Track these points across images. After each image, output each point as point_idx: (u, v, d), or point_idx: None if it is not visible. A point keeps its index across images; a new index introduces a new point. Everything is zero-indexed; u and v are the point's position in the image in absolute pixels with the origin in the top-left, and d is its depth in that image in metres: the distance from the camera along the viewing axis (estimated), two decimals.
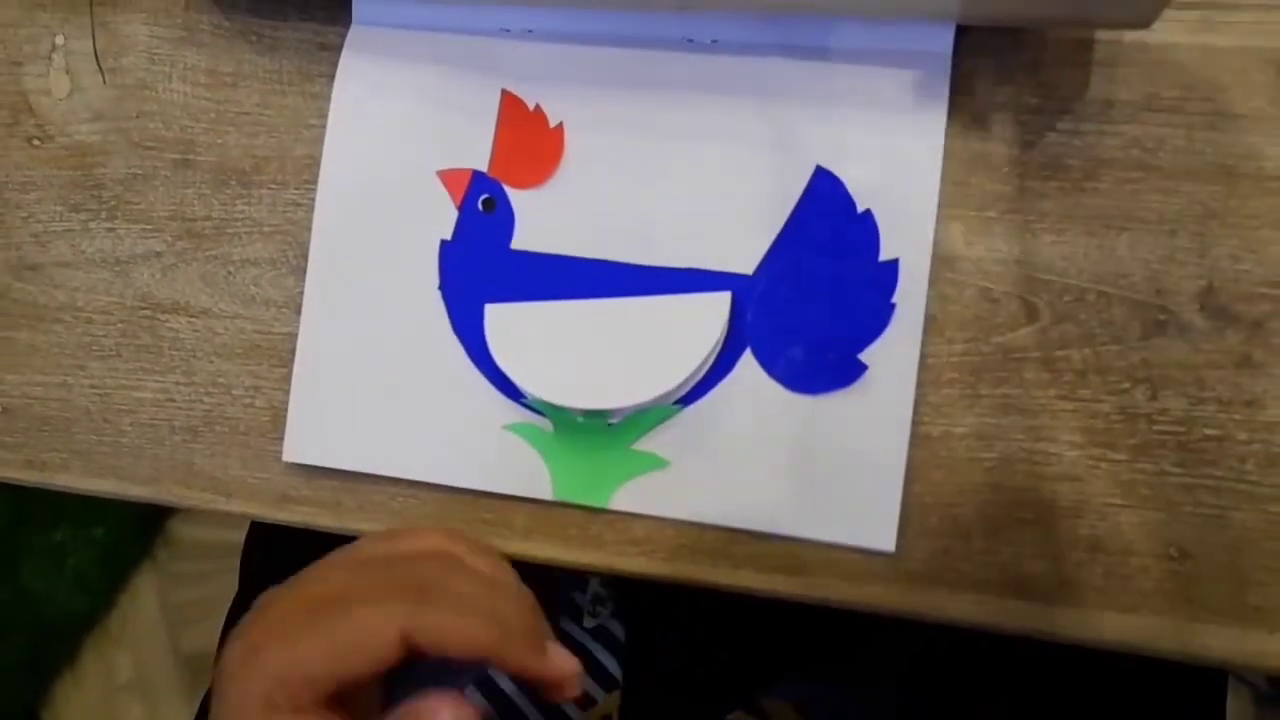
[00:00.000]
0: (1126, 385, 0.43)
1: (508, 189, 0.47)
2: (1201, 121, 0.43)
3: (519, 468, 0.46)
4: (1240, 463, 0.42)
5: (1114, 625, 0.43)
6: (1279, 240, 0.42)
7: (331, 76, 0.49)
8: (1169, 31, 0.43)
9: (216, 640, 0.67)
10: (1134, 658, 0.43)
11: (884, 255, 0.44)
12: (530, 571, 0.44)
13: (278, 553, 0.65)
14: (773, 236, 0.45)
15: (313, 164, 0.49)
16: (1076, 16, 0.41)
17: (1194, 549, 0.42)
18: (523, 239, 0.47)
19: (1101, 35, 0.43)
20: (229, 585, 0.70)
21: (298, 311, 0.48)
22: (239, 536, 0.71)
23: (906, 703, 0.54)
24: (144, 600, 1.42)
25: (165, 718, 1.38)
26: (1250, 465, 0.42)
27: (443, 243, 0.47)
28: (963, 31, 0.44)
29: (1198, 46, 0.43)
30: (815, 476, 0.44)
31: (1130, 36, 0.43)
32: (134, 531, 1.41)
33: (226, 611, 0.68)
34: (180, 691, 1.38)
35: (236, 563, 0.73)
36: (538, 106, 0.47)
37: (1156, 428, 0.43)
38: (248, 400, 0.49)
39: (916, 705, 0.54)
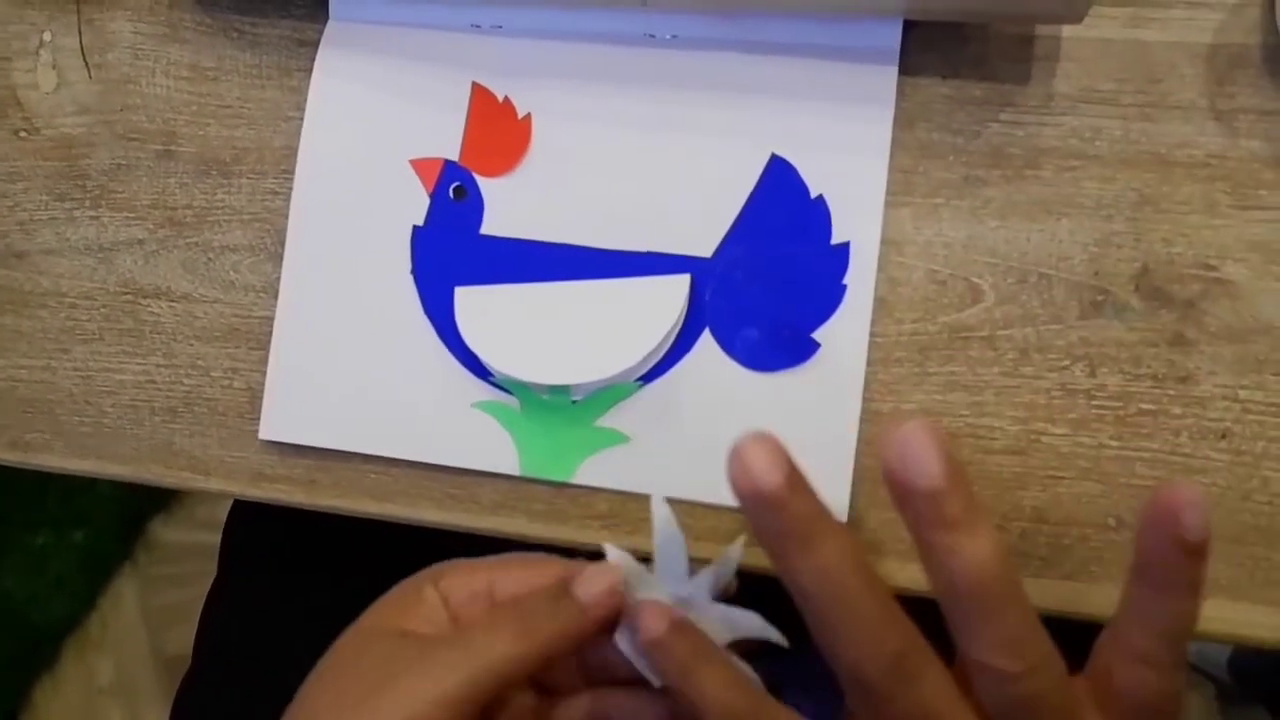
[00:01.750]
0: (1066, 363, 0.45)
1: (477, 177, 0.49)
2: (1136, 113, 0.45)
3: (487, 444, 0.48)
4: (1174, 436, 0.44)
5: (1057, 592, 0.45)
6: (1209, 224, 0.44)
7: (309, 71, 0.50)
8: (1104, 27, 0.45)
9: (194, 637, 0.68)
10: (1078, 626, 0.45)
11: (836, 239, 0.46)
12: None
13: (257, 537, 0.67)
14: (730, 221, 0.47)
15: (290, 154, 0.51)
16: (1014, 11, 0.43)
17: (1131, 519, 0.44)
18: (491, 225, 0.48)
19: (1041, 31, 0.46)
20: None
21: (275, 296, 0.50)
22: (219, 539, 0.72)
23: None
24: (124, 603, 1.43)
25: None
26: (1184, 438, 0.44)
27: (415, 229, 0.49)
28: (910, 27, 0.46)
29: (1131, 42, 0.45)
30: None
31: (1068, 32, 0.45)
32: (114, 535, 1.42)
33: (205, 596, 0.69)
34: (160, 694, 1.38)
35: (216, 566, 0.74)
36: (506, 99, 0.49)
37: (1095, 403, 0.45)
38: (226, 382, 0.51)
39: None
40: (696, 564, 0.40)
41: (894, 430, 0.32)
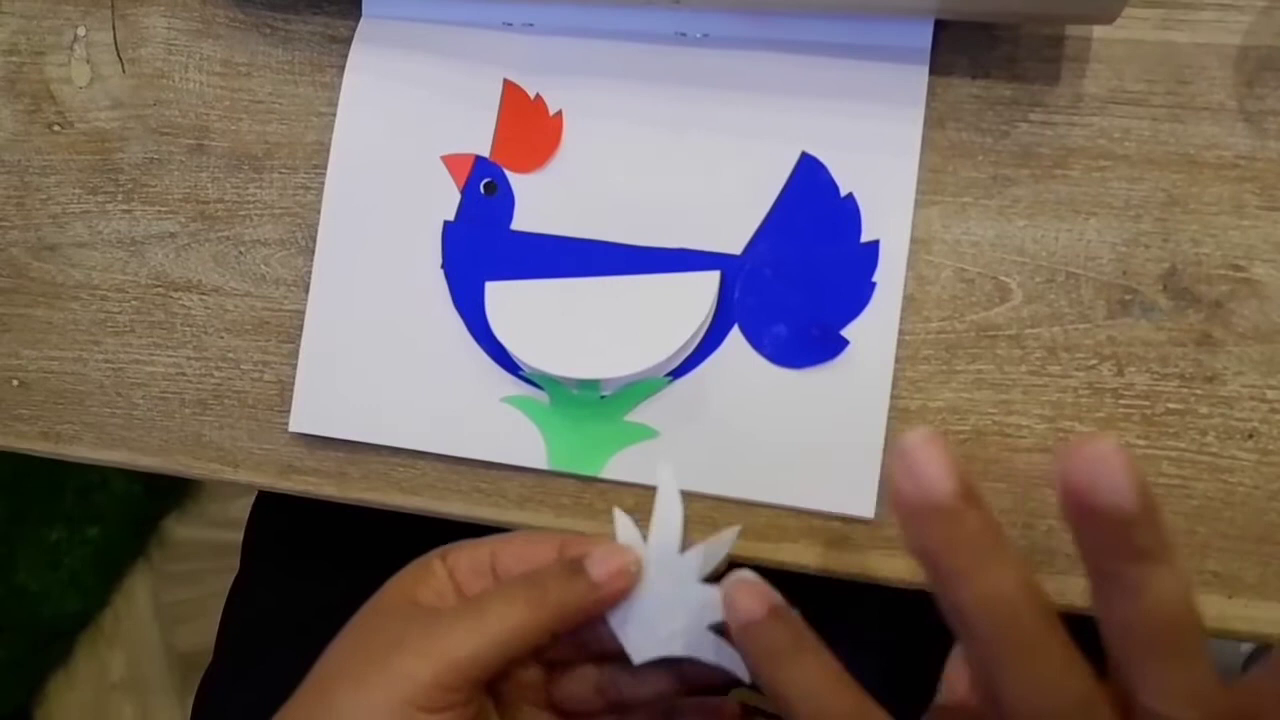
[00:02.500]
0: (1094, 362, 0.45)
1: (508, 173, 0.49)
2: (1165, 113, 0.45)
3: (516, 438, 0.48)
4: (1201, 435, 0.44)
5: (1083, 590, 0.45)
6: (1236, 225, 0.44)
7: (341, 67, 0.51)
8: (1134, 28, 0.45)
9: (211, 638, 0.68)
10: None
11: (865, 237, 0.46)
12: None
13: (280, 532, 0.67)
14: (760, 219, 0.47)
15: (322, 150, 0.51)
16: (1046, 12, 0.44)
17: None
18: (522, 220, 0.49)
19: (1071, 31, 0.46)
20: (222, 584, 0.71)
21: (305, 290, 0.50)
22: (232, 536, 0.73)
23: (888, 664, 0.56)
24: (137, 599, 1.43)
25: (157, 716, 1.39)
26: (1211, 438, 0.44)
27: (446, 224, 0.49)
28: (941, 27, 0.46)
29: (1161, 43, 0.45)
30: (799, 447, 0.46)
31: (1098, 33, 0.46)
32: (128, 532, 1.42)
33: (227, 592, 0.69)
34: (172, 690, 1.39)
35: (230, 562, 0.74)
36: (538, 96, 0.49)
37: (1122, 402, 0.45)
38: (256, 374, 0.51)
39: (897, 667, 0.56)
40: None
41: (1082, 446, 0.28)
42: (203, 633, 0.68)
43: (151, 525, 1.45)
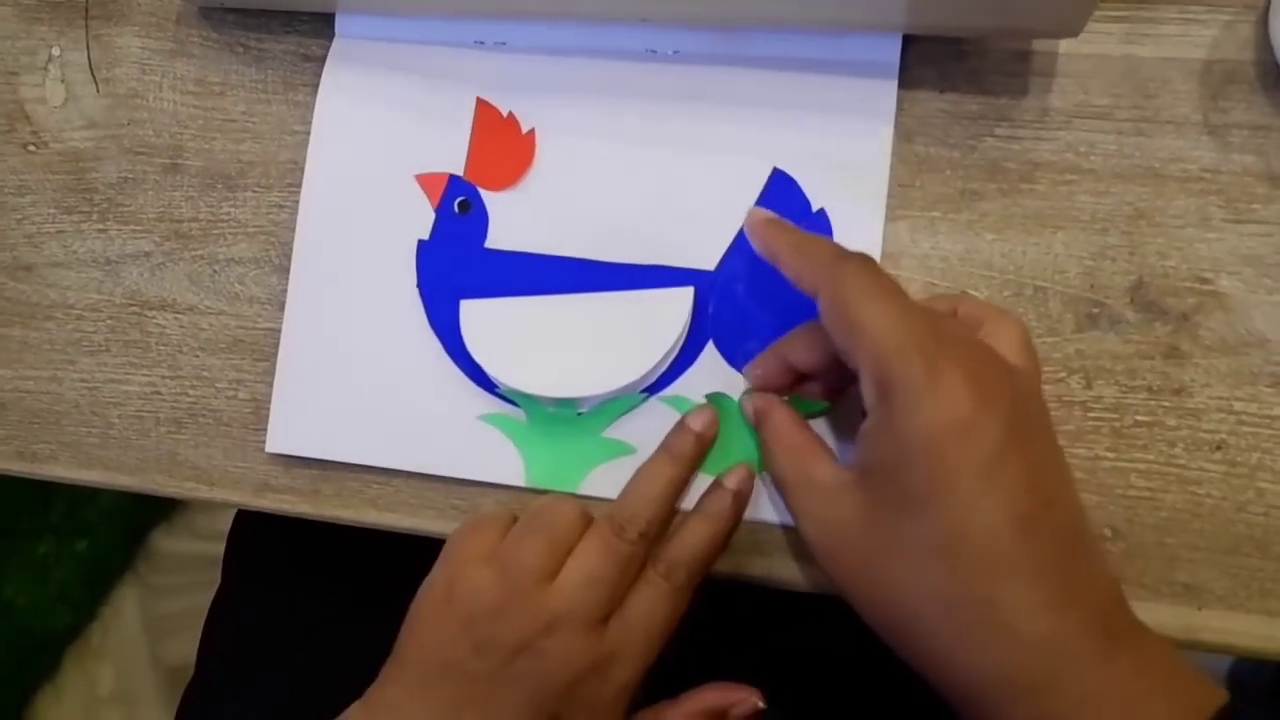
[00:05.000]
0: (1062, 375, 0.45)
1: (482, 191, 0.49)
2: (1130, 127, 0.46)
3: (493, 456, 0.48)
4: (1169, 447, 0.45)
5: None
6: (1203, 238, 0.45)
7: (314, 86, 0.51)
8: (1099, 43, 0.46)
9: (196, 649, 0.68)
10: None
11: None
12: None
13: (261, 546, 0.67)
14: (733, 234, 0.47)
15: (296, 169, 0.51)
16: (1011, 26, 0.44)
17: (1126, 530, 0.45)
18: (496, 239, 0.49)
19: (1037, 46, 0.46)
20: (210, 598, 0.71)
21: (280, 308, 0.51)
22: (220, 549, 0.73)
23: (868, 682, 0.56)
24: (125, 613, 1.43)
25: None
26: (1179, 450, 0.45)
27: (420, 243, 0.50)
28: (908, 43, 0.47)
29: (1126, 57, 0.46)
30: None
31: (1064, 47, 0.46)
32: (116, 545, 1.42)
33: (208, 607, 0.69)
34: (160, 703, 1.39)
35: (217, 575, 0.74)
36: (510, 114, 0.50)
37: (1091, 415, 0.45)
38: (231, 393, 0.51)
39: (875, 683, 0.56)
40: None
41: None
42: (191, 646, 0.67)
43: (140, 538, 1.44)
